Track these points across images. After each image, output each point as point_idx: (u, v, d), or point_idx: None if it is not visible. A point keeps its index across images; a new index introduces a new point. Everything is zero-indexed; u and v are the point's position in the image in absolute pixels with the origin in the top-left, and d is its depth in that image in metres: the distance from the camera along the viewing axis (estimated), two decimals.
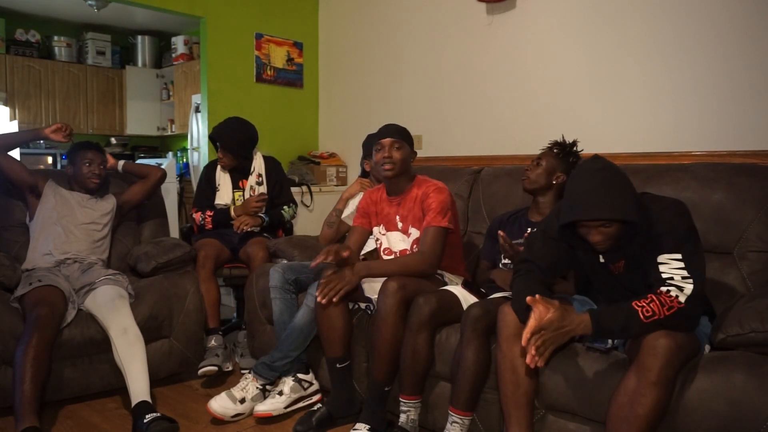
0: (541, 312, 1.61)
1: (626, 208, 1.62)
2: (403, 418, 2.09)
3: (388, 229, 2.44)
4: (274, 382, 2.42)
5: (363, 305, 2.36)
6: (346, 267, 2.18)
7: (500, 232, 2.24)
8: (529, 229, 2.34)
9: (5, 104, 5.42)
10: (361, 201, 2.55)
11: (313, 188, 4.16)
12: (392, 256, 2.40)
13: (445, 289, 2.22)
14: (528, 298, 1.63)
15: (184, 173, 5.43)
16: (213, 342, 2.76)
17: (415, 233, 2.35)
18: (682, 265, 1.63)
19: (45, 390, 2.21)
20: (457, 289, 2.21)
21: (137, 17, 5.78)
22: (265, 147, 3.23)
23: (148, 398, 2.21)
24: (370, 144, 2.88)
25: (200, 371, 2.63)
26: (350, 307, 2.34)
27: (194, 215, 3.18)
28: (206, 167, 3.32)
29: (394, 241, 2.42)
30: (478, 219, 2.83)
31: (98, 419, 2.35)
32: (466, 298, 2.17)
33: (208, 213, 3.12)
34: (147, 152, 6.38)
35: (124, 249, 2.93)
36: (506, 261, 2.37)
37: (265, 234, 3.15)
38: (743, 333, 1.60)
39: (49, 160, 5.90)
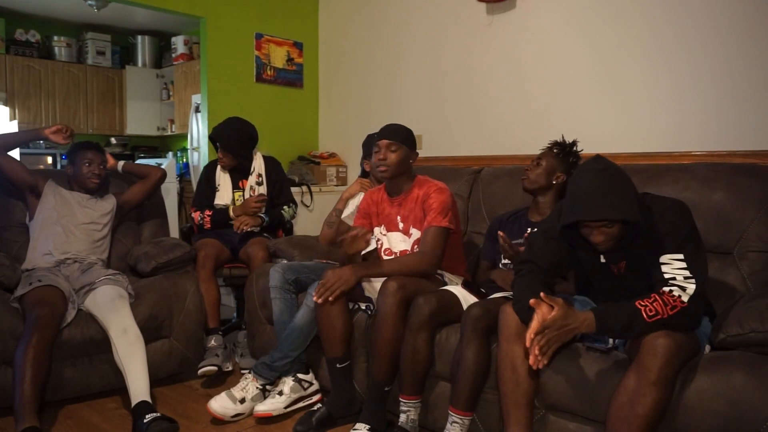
0: (544, 313, 1.61)
1: (628, 208, 1.63)
2: (403, 418, 2.09)
3: (389, 230, 2.44)
4: (274, 382, 2.42)
5: (363, 305, 2.36)
6: (345, 266, 2.18)
7: (500, 233, 2.24)
8: (529, 229, 2.34)
9: (5, 104, 5.42)
10: (362, 201, 2.55)
11: (313, 188, 4.16)
12: (392, 257, 2.40)
13: (445, 289, 2.22)
14: (532, 301, 1.63)
15: (184, 173, 5.43)
16: (213, 342, 2.76)
17: (416, 234, 2.35)
18: (684, 265, 1.63)
19: (45, 390, 2.21)
20: (457, 289, 2.21)
21: (137, 17, 5.78)
22: (265, 147, 3.23)
23: (148, 398, 2.21)
24: (370, 144, 2.88)
25: (200, 371, 2.63)
26: (350, 307, 2.34)
27: (193, 215, 3.18)
28: (206, 167, 3.32)
29: (395, 242, 2.42)
30: (478, 219, 2.83)
31: (98, 419, 2.35)
32: (466, 298, 2.17)
33: (207, 213, 3.12)
34: (147, 152, 6.38)
35: (124, 249, 2.93)
36: (506, 261, 2.37)
37: (265, 234, 3.15)
38: (743, 333, 1.60)
39: (49, 160, 5.91)
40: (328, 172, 4.34)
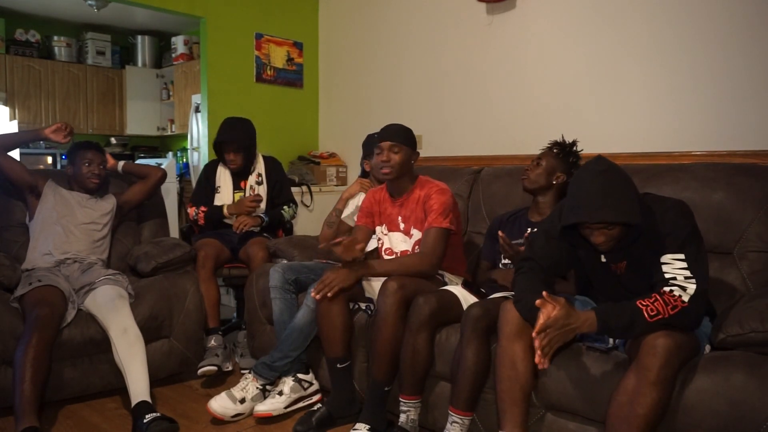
0: (549, 311, 1.61)
1: (629, 210, 1.63)
2: (403, 418, 2.09)
3: (390, 230, 2.44)
4: (274, 382, 2.42)
5: (363, 305, 2.36)
6: (345, 265, 2.18)
7: (500, 233, 2.24)
8: (529, 229, 2.34)
9: (5, 104, 5.42)
10: (365, 200, 2.55)
11: (313, 188, 4.16)
12: (393, 257, 2.40)
13: (445, 289, 2.21)
14: (538, 301, 1.64)
15: (184, 173, 5.43)
16: (213, 342, 2.76)
17: (417, 234, 2.35)
18: (685, 265, 1.64)
19: (45, 390, 2.21)
20: (457, 289, 2.21)
21: (137, 17, 5.78)
22: (265, 147, 3.23)
23: (148, 398, 2.21)
24: (370, 144, 2.88)
25: (200, 371, 2.63)
26: (350, 307, 2.34)
27: (189, 210, 3.18)
28: (206, 166, 3.32)
29: (396, 242, 2.42)
30: (478, 219, 2.83)
31: (98, 419, 2.35)
32: (466, 298, 2.17)
33: (202, 209, 3.12)
34: (147, 152, 6.38)
35: (124, 249, 2.93)
36: (506, 261, 2.37)
37: (265, 234, 3.15)
38: (743, 333, 1.60)
39: (49, 160, 5.90)
40: (328, 172, 4.34)
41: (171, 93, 6.12)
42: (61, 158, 5.80)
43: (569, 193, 1.74)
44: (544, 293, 1.64)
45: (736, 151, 2.60)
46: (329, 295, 2.13)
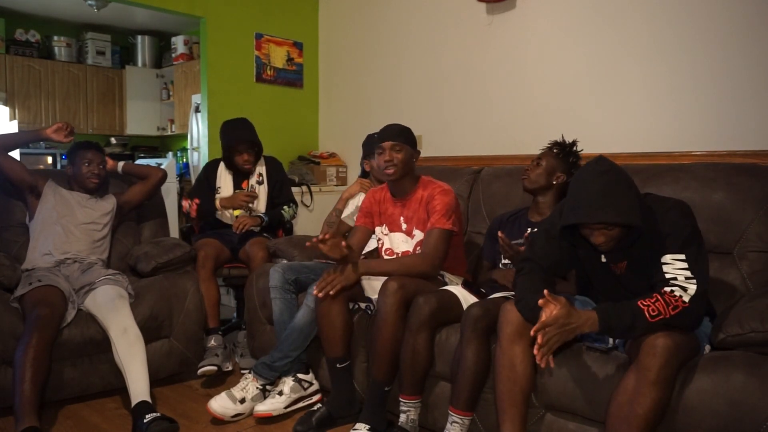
0: (551, 310, 1.61)
1: (629, 212, 1.63)
2: (403, 418, 2.09)
3: (391, 230, 2.44)
4: (274, 382, 2.42)
5: (363, 305, 2.36)
6: (346, 264, 2.18)
7: (499, 233, 2.24)
8: (529, 230, 2.33)
9: (5, 104, 5.42)
10: (365, 200, 2.55)
11: (313, 188, 4.16)
12: (394, 257, 2.40)
13: (445, 289, 2.21)
14: (540, 301, 1.64)
15: (184, 173, 5.43)
16: (213, 342, 2.76)
17: (419, 235, 2.34)
18: (685, 265, 1.64)
19: (45, 390, 2.21)
20: (457, 289, 2.21)
21: (137, 17, 5.78)
22: (265, 147, 3.23)
23: (148, 398, 2.21)
24: (370, 144, 2.89)
25: (200, 371, 2.63)
26: (350, 307, 2.34)
27: (183, 203, 3.19)
28: (207, 165, 3.32)
29: (397, 242, 2.41)
30: (478, 219, 2.83)
31: (98, 419, 2.35)
32: (466, 298, 2.17)
33: (195, 200, 3.12)
34: (147, 152, 6.38)
35: (124, 249, 2.93)
36: (506, 261, 2.37)
37: (265, 234, 3.15)
38: (743, 333, 1.60)
39: (49, 160, 5.90)
40: (328, 172, 4.34)
41: (171, 93, 6.12)
42: (61, 158, 5.80)
43: (570, 193, 1.74)
44: (545, 292, 1.64)
45: (736, 151, 2.60)
46: (331, 293, 2.13)
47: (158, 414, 2.14)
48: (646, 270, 1.72)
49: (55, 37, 5.90)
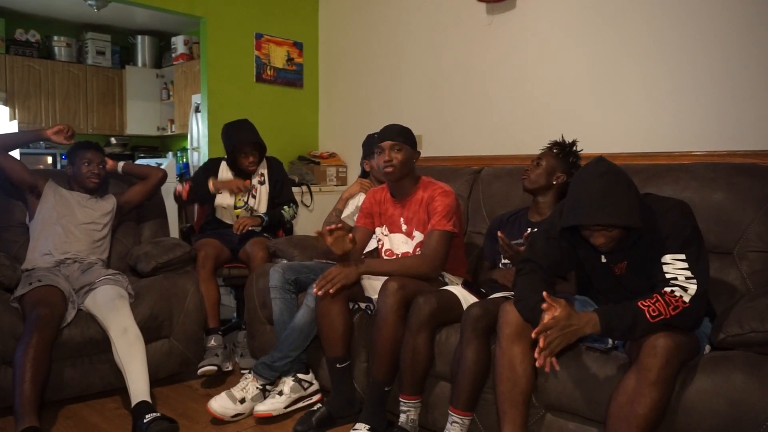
0: (553, 313, 1.61)
1: (629, 214, 1.63)
2: (403, 418, 2.09)
3: (391, 231, 2.44)
4: (274, 382, 2.42)
5: (363, 305, 2.36)
6: (346, 263, 2.18)
7: (499, 233, 2.24)
8: (529, 230, 2.33)
9: (5, 104, 5.42)
10: (365, 201, 2.55)
11: (313, 188, 4.16)
12: (394, 257, 2.40)
13: (445, 289, 2.21)
14: (544, 305, 1.63)
15: (184, 173, 5.43)
16: (213, 342, 2.76)
17: (419, 236, 2.34)
18: (686, 265, 1.64)
19: (45, 390, 2.21)
20: (457, 289, 2.21)
21: (137, 17, 5.78)
22: None
23: (148, 398, 2.21)
24: (370, 144, 2.89)
25: (200, 371, 2.63)
26: (350, 307, 2.34)
27: (176, 188, 3.18)
28: (209, 161, 3.33)
29: (397, 243, 2.41)
30: (478, 219, 2.83)
31: (98, 419, 2.35)
32: (466, 298, 2.17)
33: (187, 182, 3.12)
34: (147, 152, 6.38)
35: (124, 249, 2.93)
36: (506, 261, 2.37)
37: (265, 234, 3.15)
38: (743, 333, 1.60)
39: (49, 160, 5.91)
40: (328, 172, 4.34)
41: (171, 93, 6.13)
42: (61, 158, 5.80)
43: (569, 194, 1.74)
44: (544, 294, 1.64)
45: (736, 151, 2.60)
46: (331, 291, 2.13)
47: (158, 414, 2.14)
48: (647, 270, 1.72)
49: (55, 37, 5.90)
